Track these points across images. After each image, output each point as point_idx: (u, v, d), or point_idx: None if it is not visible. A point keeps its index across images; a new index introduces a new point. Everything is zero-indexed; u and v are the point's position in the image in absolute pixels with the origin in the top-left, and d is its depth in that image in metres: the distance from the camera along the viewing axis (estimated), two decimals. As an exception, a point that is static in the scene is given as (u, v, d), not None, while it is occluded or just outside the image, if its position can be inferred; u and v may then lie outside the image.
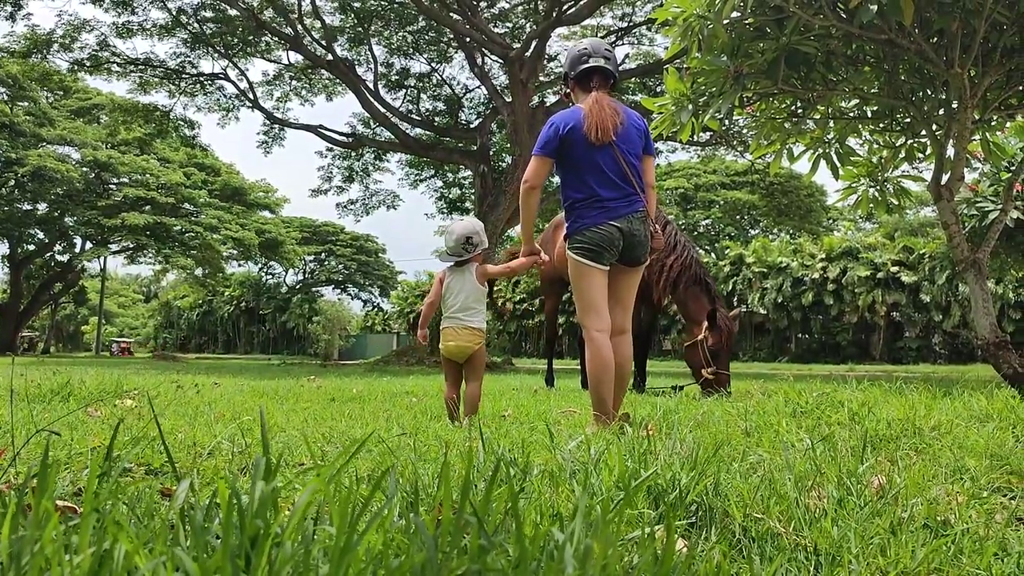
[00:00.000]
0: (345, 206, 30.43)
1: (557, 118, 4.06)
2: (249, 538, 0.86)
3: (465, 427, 3.92)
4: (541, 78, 21.54)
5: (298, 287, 60.32)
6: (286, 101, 25.92)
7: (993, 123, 6.19)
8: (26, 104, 32.74)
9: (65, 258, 39.66)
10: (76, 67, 23.00)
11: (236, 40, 22.46)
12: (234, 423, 3.51)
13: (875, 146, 6.66)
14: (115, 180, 35.23)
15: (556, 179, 4.30)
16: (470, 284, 4.53)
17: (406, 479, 1.97)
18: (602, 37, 23.15)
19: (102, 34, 21.96)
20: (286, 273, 60.54)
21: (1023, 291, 29.21)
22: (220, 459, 2.55)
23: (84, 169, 34.21)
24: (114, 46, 22.33)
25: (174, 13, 21.30)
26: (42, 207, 35.14)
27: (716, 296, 7.56)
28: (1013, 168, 7.23)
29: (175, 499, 1.09)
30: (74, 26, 21.60)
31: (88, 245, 38.23)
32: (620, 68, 22.15)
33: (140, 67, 23.01)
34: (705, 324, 7.24)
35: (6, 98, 31.93)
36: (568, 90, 4.25)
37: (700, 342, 7.21)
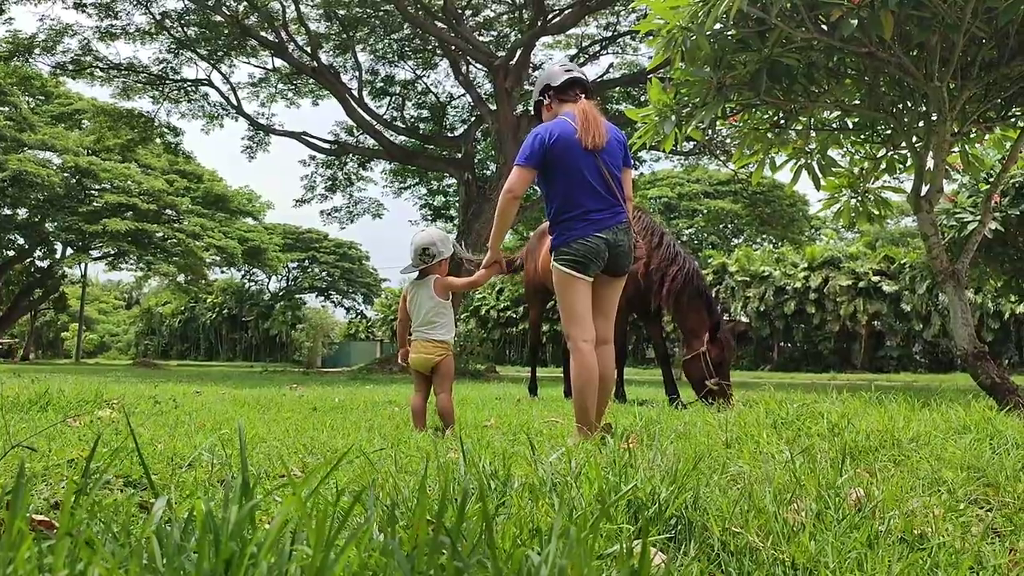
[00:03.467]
0: (330, 213, 30.29)
1: (541, 129, 4.07)
2: (224, 560, 0.86)
3: (447, 438, 3.91)
4: (526, 86, 21.59)
5: (281, 294, 59.96)
6: (271, 104, 25.84)
7: (972, 135, 6.25)
8: (7, 109, 32.43)
9: (45, 264, 39.27)
10: (58, 71, 22.83)
11: (220, 44, 22.37)
12: (215, 434, 3.49)
13: (856, 157, 6.71)
14: (96, 186, 34.91)
15: (537, 188, 4.31)
16: (428, 297, 4.53)
17: (386, 493, 1.97)
18: (586, 46, 23.28)
19: (85, 39, 21.81)
20: (269, 280, 60.22)
21: (1002, 301, 29.49)
22: (200, 471, 2.54)
23: (65, 174, 33.90)
24: (97, 51, 22.20)
25: (158, 18, 21.19)
26: (22, 212, 34.82)
27: (715, 309, 7.58)
28: (991, 180, 7.31)
29: (151, 517, 1.09)
30: (56, 31, 21.44)
31: (69, 251, 37.87)
32: (604, 78, 22.31)
33: (123, 72, 22.86)
34: (707, 337, 7.24)
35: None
36: (548, 102, 4.28)
37: (702, 355, 7.21)
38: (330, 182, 28.50)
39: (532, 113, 4.56)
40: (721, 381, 7.08)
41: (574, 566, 0.94)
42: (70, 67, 22.37)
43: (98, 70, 22.57)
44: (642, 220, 8.05)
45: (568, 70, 4.28)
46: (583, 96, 4.20)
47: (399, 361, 4.81)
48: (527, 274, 9.50)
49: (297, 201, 29.05)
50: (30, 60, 22.55)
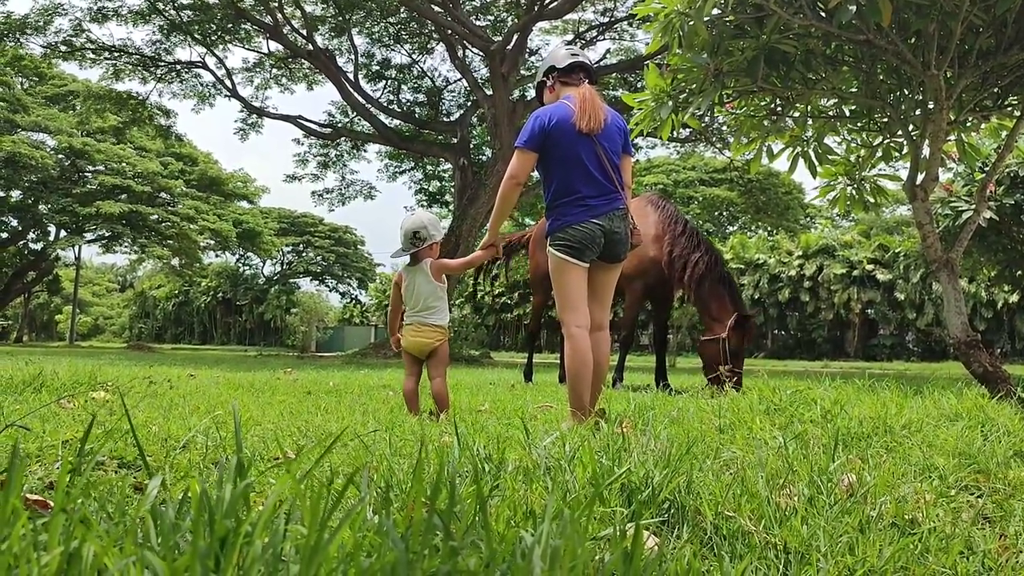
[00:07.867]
0: (321, 195, 30.18)
1: (541, 112, 4.06)
2: (219, 538, 0.86)
3: (440, 422, 3.92)
4: (522, 72, 21.49)
5: (276, 278, 59.89)
6: (265, 89, 25.69)
7: (968, 124, 6.24)
8: (0, 90, 32.22)
9: (39, 246, 39.08)
10: (50, 51, 22.63)
11: (214, 28, 22.21)
12: (209, 416, 3.48)
13: (853, 145, 6.70)
14: (90, 168, 34.74)
15: (535, 173, 4.29)
16: (426, 282, 4.50)
17: (380, 475, 1.97)
18: (583, 32, 23.18)
19: (76, 19, 21.63)
20: (264, 264, 60.12)
21: (995, 290, 29.58)
22: (194, 453, 2.54)
23: (59, 156, 33.73)
24: (89, 31, 22.01)
25: (151, -1, 21.03)
26: (16, 194, 34.63)
27: (739, 296, 7.70)
28: (987, 169, 7.32)
29: (146, 496, 1.09)
30: (48, 10, 21.25)
31: (63, 233, 37.67)
32: (601, 63, 22.22)
33: (115, 53, 22.67)
34: (730, 323, 7.37)
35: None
36: (550, 84, 4.27)
37: (722, 340, 7.35)
38: (323, 159, 28.34)
39: (533, 94, 4.56)
40: (735, 368, 7.17)
41: (567, 547, 0.94)
42: (62, 48, 22.18)
43: (90, 52, 22.38)
44: (666, 209, 8.19)
45: (574, 54, 4.28)
46: (586, 81, 4.20)
47: (393, 348, 4.79)
48: (536, 260, 9.52)
49: (288, 176, 28.94)
50: (22, 40, 22.34)
